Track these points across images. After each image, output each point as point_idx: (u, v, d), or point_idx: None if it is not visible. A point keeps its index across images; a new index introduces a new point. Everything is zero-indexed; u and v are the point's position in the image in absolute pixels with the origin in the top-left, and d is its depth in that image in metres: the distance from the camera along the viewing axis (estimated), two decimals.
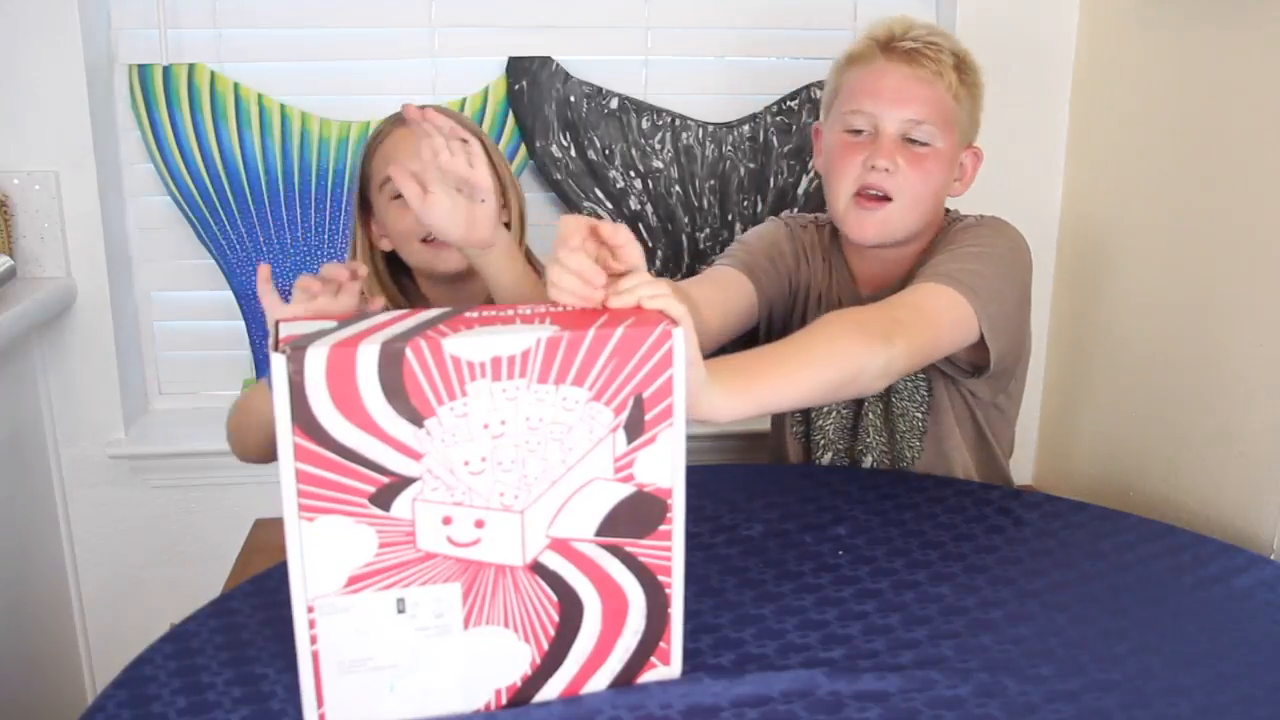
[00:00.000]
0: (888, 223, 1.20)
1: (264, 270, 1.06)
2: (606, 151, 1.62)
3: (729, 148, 1.63)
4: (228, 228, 1.58)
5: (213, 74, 1.54)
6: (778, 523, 1.11)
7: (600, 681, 0.82)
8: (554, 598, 0.79)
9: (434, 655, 0.77)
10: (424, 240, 1.24)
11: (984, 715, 0.80)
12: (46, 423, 1.58)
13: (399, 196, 1.22)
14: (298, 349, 0.69)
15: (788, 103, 1.63)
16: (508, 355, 0.73)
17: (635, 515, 0.78)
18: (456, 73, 1.59)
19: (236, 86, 1.54)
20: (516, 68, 1.59)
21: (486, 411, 0.73)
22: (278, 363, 0.69)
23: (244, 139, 1.55)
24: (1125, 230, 1.51)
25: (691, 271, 1.66)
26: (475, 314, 0.77)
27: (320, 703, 0.76)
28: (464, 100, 1.58)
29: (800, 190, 1.66)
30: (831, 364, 0.98)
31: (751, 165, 1.64)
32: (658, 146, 1.62)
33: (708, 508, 1.13)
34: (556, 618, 0.79)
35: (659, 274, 1.65)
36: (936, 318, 1.10)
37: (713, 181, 1.64)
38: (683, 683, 0.83)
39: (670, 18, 1.62)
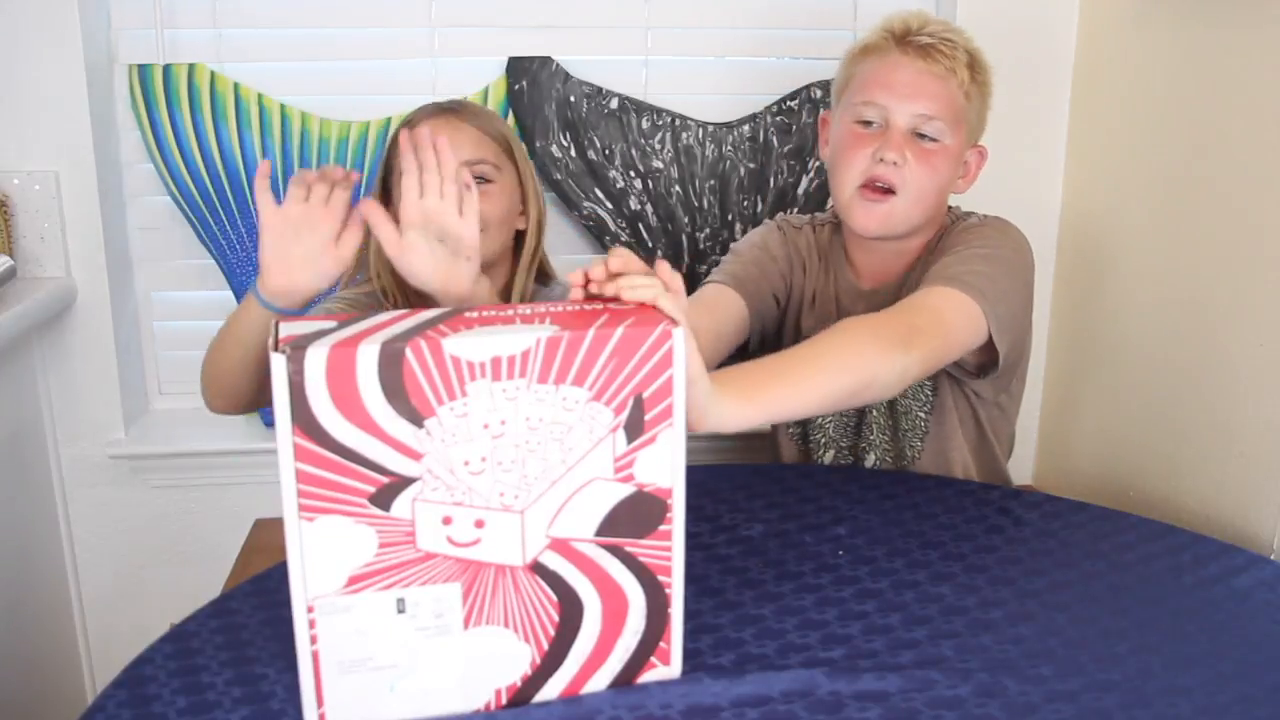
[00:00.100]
0: (891, 216, 1.20)
1: (265, 166, 1.07)
2: (606, 151, 1.62)
3: (729, 148, 1.63)
4: (228, 228, 1.58)
5: (213, 74, 1.54)
6: (778, 523, 1.11)
7: (600, 681, 0.82)
8: (554, 598, 0.79)
9: (434, 655, 0.77)
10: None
11: (984, 715, 0.80)
12: (46, 423, 1.58)
13: None
14: (297, 349, 0.69)
15: (788, 103, 1.63)
16: (508, 355, 0.73)
17: (635, 515, 0.78)
18: (456, 73, 1.59)
19: (236, 86, 1.54)
20: (516, 68, 1.59)
21: (486, 411, 0.73)
22: (277, 363, 0.69)
23: (244, 139, 1.55)
24: (1125, 229, 1.51)
25: (692, 271, 1.66)
26: (475, 314, 0.77)
27: (320, 703, 0.76)
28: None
29: (800, 190, 1.66)
30: (845, 371, 0.98)
31: (751, 165, 1.64)
32: (658, 146, 1.62)
33: (708, 508, 1.13)
34: (556, 618, 0.79)
35: None
36: (950, 323, 1.10)
37: (713, 181, 1.64)
38: (683, 683, 0.83)
39: (670, 18, 1.61)
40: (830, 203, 1.40)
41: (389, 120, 1.56)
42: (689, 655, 0.85)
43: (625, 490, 0.78)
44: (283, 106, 1.56)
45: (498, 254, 1.28)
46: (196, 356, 1.66)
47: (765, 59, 1.67)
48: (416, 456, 0.73)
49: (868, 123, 1.21)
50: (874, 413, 1.30)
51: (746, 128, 1.63)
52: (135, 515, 1.64)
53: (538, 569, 0.78)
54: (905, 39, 1.20)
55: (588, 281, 0.83)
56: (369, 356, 0.70)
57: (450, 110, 1.28)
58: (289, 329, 0.73)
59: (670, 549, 0.80)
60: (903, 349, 1.01)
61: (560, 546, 0.78)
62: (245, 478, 1.61)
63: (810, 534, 1.08)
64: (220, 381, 1.16)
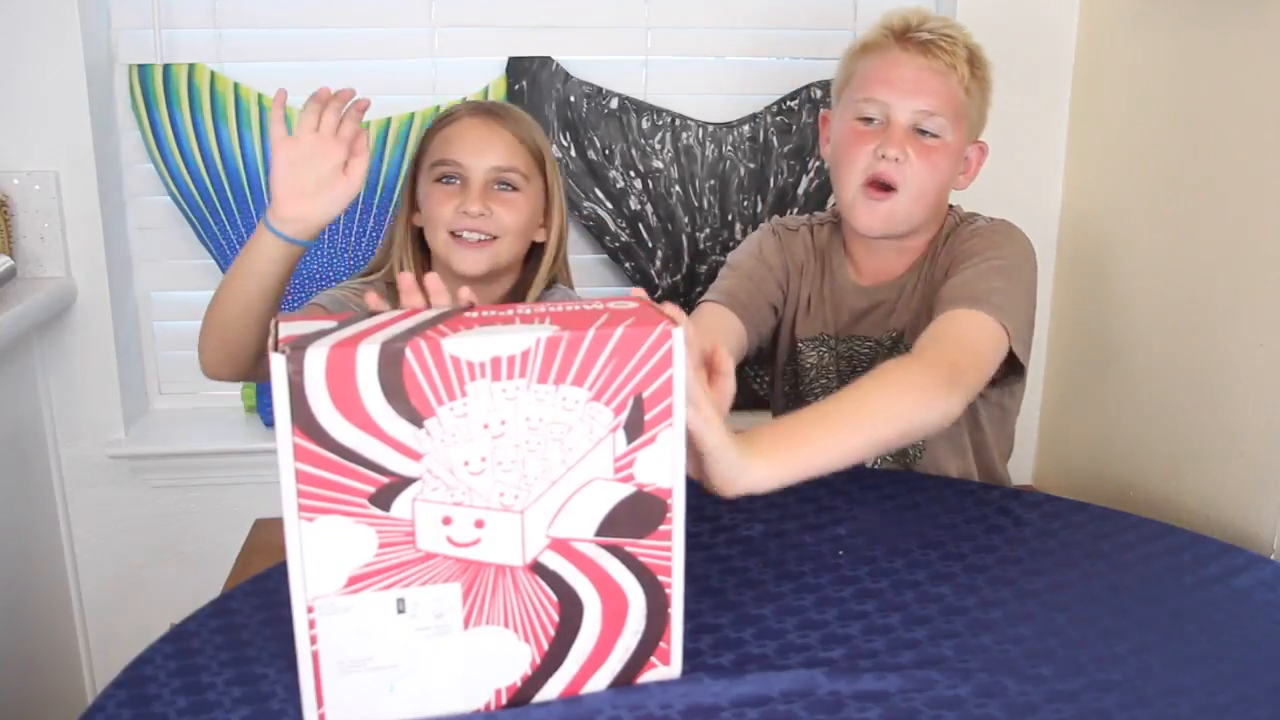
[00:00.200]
0: (894, 214, 1.21)
1: (281, 95, 1.11)
2: (606, 151, 1.62)
3: (729, 148, 1.63)
4: (228, 228, 1.58)
5: (212, 74, 1.54)
6: (778, 523, 1.11)
7: (600, 681, 0.82)
8: (554, 598, 0.79)
9: (434, 655, 0.77)
10: (453, 234, 1.23)
11: (984, 715, 0.80)
12: (46, 423, 1.58)
13: (441, 180, 1.23)
14: (297, 349, 0.69)
15: (788, 103, 1.63)
16: (507, 355, 0.73)
17: (635, 515, 0.78)
18: (456, 73, 1.59)
19: (236, 86, 1.54)
20: (516, 68, 1.59)
21: (486, 411, 0.73)
22: (277, 363, 0.69)
23: (244, 139, 1.55)
24: (1125, 228, 1.51)
25: (691, 272, 1.66)
26: (475, 314, 0.77)
27: (320, 703, 0.76)
28: (463, 100, 1.58)
29: (800, 190, 1.66)
30: (886, 421, 0.98)
31: (751, 165, 1.64)
32: (658, 146, 1.62)
33: (708, 508, 1.13)
34: (556, 618, 0.79)
35: (659, 274, 1.65)
36: (983, 351, 1.10)
37: (713, 181, 1.64)
38: (683, 683, 0.83)
39: (670, 18, 1.62)
40: (831, 202, 1.40)
41: (389, 120, 1.56)
42: (689, 655, 0.85)
43: (625, 490, 0.77)
44: None
45: (508, 263, 1.28)
46: (196, 356, 1.68)
47: (765, 59, 1.67)
48: (416, 456, 0.73)
49: (869, 119, 1.21)
50: None
51: (746, 128, 1.63)
52: (135, 515, 1.64)
53: (538, 569, 0.78)
54: (905, 35, 1.20)
55: None
56: (369, 356, 0.70)
57: (489, 113, 1.27)
58: (289, 329, 0.73)
59: (670, 549, 0.80)
60: (947, 391, 1.02)
61: (560, 546, 0.78)
62: (245, 478, 1.61)
63: (810, 534, 1.08)
64: (224, 331, 1.14)
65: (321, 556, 0.73)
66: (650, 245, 1.65)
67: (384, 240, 1.35)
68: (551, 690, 0.81)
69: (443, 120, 1.28)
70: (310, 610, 0.74)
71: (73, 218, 1.51)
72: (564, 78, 1.59)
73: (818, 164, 1.64)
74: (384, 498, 0.73)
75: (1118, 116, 1.53)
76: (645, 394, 0.76)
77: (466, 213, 1.22)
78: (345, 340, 0.71)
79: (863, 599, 0.96)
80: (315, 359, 0.69)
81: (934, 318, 1.14)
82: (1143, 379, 1.46)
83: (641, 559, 0.79)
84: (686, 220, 1.65)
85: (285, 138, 1.09)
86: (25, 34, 1.45)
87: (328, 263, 1.58)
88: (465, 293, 1.07)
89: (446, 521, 0.75)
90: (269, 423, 1.63)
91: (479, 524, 0.76)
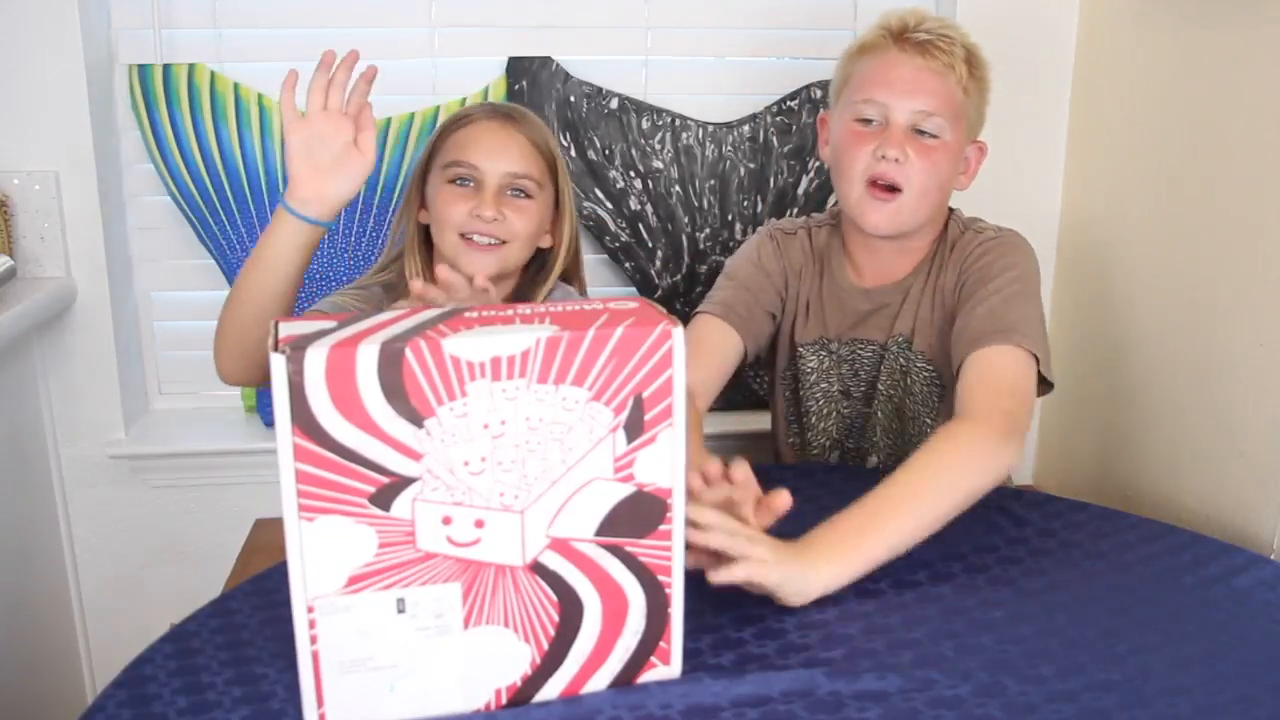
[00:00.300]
0: (900, 214, 1.20)
1: (291, 77, 1.11)
2: (606, 151, 1.62)
3: (729, 148, 1.63)
4: (228, 228, 1.58)
5: (212, 74, 1.54)
6: (777, 523, 1.10)
7: (600, 681, 0.82)
8: (554, 598, 0.79)
9: (434, 655, 0.77)
10: (463, 236, 1.23)
11: (984, 715, 0.80)
12: (46, 423, 1.58)
13: (455, 181, 1.23)
14: (297, 349, 0.69)
15: (788, 103, 1.63)
16: (507, 355, 0.73)
17: (635, 515, 0.78)
18: (456, 73, 1.59)
19: (236, 86, 1.54)
20: (516, 68, 1.59)
21: (486, 411, 0.73)
22: (277, 363, 0.69)
23: (244, 139, 1.55)
24: (1125, 228, 1.51)
25: (691, 272, 1.66)
26: (475, 314, 0.77)
27: (320, 703, 0.76)
28: (464, 100, 1.58)
29: (800, 190, 1.66)
30: (949, 492, 1.01)
31: (751, 165, 1.64)
32: (658, 146, 1.62)
33: None
34: (556, 618, 0.79)
35: (659, 274, 1.65)
36: (1028, 388, 1.12)
37: (713, 181, 1.64)
38: (683, 682, 0.83)
39: (670, 18, 1.62)
40: (831, 202, 1.40)
41: (389, 120, 1.56)
42: (689, 655, 0.85)
43: (625, 490, 0.78)
44: None
45: (514, 268, 1.28)
46: (197, 356, 1.67)
47: (765, 59, 1.67)
48: (416, 456, 0.73)
49: (867, 121, 1.21)
50: (880, 414, 1.30)
51: (746, 128, 1.63)
52: (135, 515, 1.64)
53: (538, 569, 0.78)
54: (903, 36, 1.20)
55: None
56: (369, 356, 0.70)
57: (507, 117, 1.27)
58: (289, 329, 0.73)
59: (670, 549, 0.80)
60: (1005, 444, 1.04)
61: (560, 546, 0.78)
62: (245, 478, 1.61)
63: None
64: (243, 332, 1.14)
65: (321, 556, 0.73)
66: (650, 245, 1.65)
67: (391, 236, 1.35)
68: (551, 690, 0.81)
69: (458, 121, 1.27)
70: (310, 610, 0.74)
71: (73, 218, 1.51)
72: (564, 78, 1.59)
73: (818, 164, 1.64)
74: (384, 498, 0.73)
75: (1118, 117, 1.53)
76: (645, 394, 0.76)
77: (480, 216, 1.21)
78: (345, 340, 0.71)
79: (863, 599, 0.96)
80: (315, 359, 0.69)
81: (962, 349, 1.14)
82: (1142, 378, 1.46)
83: (641, 559, 0.79)
84: (686, 220, 1.65)
85: (297, 119, 1.10)
86: (25, 34, 1.45)
87: (328, 263, 1.58)
88: (481, 279, 1.08)
89: (446, 521, 0.75)
90: (269, 423, 1.63)
91: (479, 524, 0.76)
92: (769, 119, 1.63)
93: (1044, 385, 1.17)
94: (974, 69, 1.21)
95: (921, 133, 1.19)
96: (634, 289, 1.66)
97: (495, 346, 0.73)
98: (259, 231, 1.57)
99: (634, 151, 1.62)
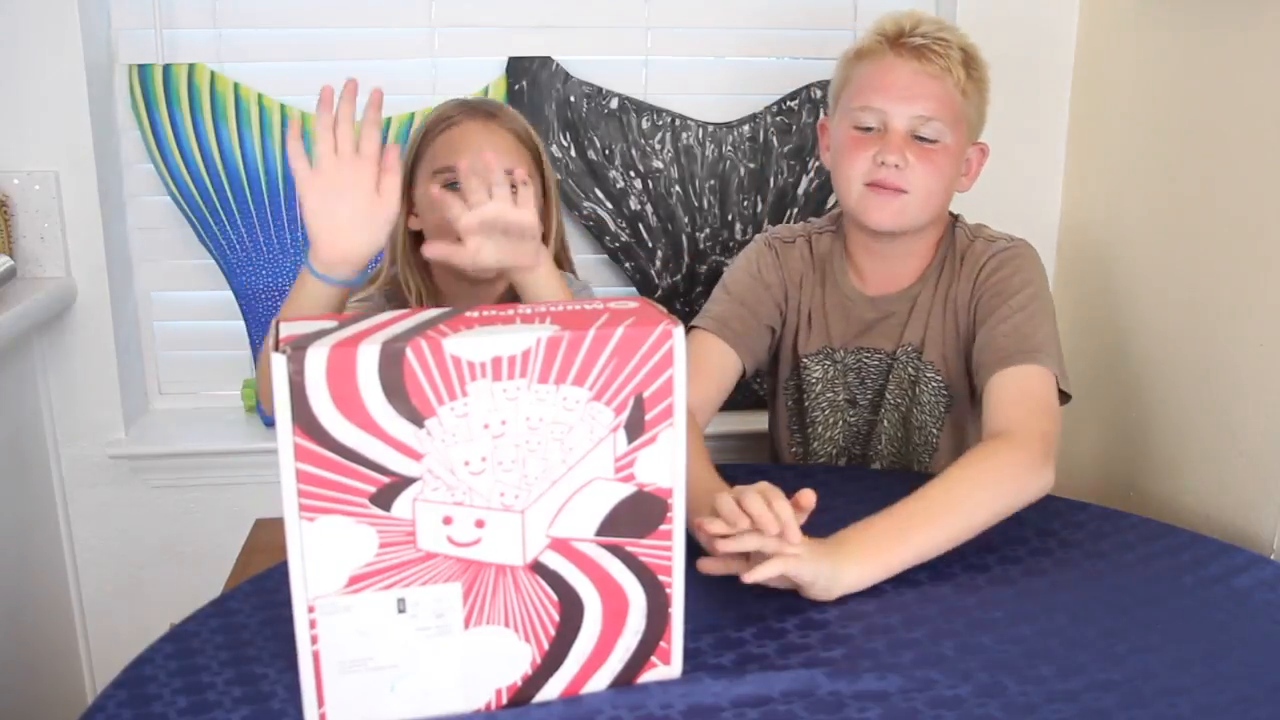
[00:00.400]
0: (905, 211, 1.20)
1: (294, 127, 1.05)
2: (606, 151, 1.62)
3: (729, 148, 1.63)
4: (228, 228, 1.58)
5: (212, 74, 1.54)
6: None
7: (600, 681, 0.82)
8: (554, 597, 0.79)
9: (434, 655, 0.77)
10: (457, 240, 1.23)
11: (984, 715, 0.80)
12: (46, 423, 1.58)
13: (447, 186, 1.22)
14: (298, 349, 0.69)
15: (788, 103, 1.63)
16: (508, 355, 0.73)
17: (635, 515, 0.78)
18: (456, 73, 1.59)
19: (236, 86, 1.54)
20: (516, 68, 1.59)
21: (487, 411, 0.73)
22: (278, 362, 0.69)
23: (244, 139, 1.55)
24: (1125, 229, 1.51)
25: (691, 272, 1.66)
26: (475, 314, 0.77)
27: (321, 702, 0.76)
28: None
29: (800, 190, 1.66)
30: (980, 508, 1.02)
31: (751, 165, 1.64)
32: (658, 146, 1.62)
33: None
34: (557, 617, 0.79)
35: (659, 274, 1.65)
36: (1056, 406, 1.13)
37: (713, 181, 1.64)
38: (683, 682, 0.83)
39: (670, 18, 1.62)
40: (831, 203, 1.39)
41: (389, 120, 1.56)
42: (689, 655, 0.85)
43: (626, 490, 0.78)
44: (283, 106, 1.56)
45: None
46: (196, 356, 1.68)
47: (765, 59, 1.67)
48: (417, 456, 0.73)
49: (867, 128, 1.20)
50: (886, 423, 1.30)
51: (746, 128, 1.63)
52: (135, 515, 1.64)
53: (538, 569, 0.78)
54: (899, 40, 1.18)
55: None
56: (369, 356, 0.70)
57: (488, 115, 1.25)
58: (289, 329, 0.73)
59: (670, 549, 0.80)
60: (1043, 465, 1.06)
61: (561, 546, 0.78)
62: (245, 478, 1.61)
63: (811, 534, 1.08)
64: None
65: (322, 556, 0.73)
66: (650, 245, 1.65)
67: (386, 249, 1.34)
68: (552, 690, 0.81)
69: (440, 123, 1.25)
70: (311, 610, 0.74)
71: (73, 218, 1.51)
72: (564, 78, 1.59)
73: (817, 164, 1.64)
74: (385, 497, 0.73)
75: (1118, 117, 1.53)
76: (646, 394, 0.76)
77: None
78: (346, 340, 0.71)
79: (863, 599, 0.96)
80: (316, 359, 0.69)
81: (989, 367, 1.14)
82: (1142, 378, 1.46)
83: (642, 559, 0.79)
84: (686, 220, 1.65)
85: (309, 173, 1.01)
86: (25, 34, 1.45)
87: None
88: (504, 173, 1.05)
89: (447, 521, 0.75)
90: (269, 423, 1.63)
91: (479, 524, 0.76)
92: (769, 119, 1.63)
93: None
94: (972, 70, 1.20)
95: (921, 138, 1.18)
96: (634, 289, 1.66)
97: (496, 346, 0.73)
98: (259, 231, 1.58)
99: (634, 151, 1.62)
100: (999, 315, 1.18)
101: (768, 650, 0.88)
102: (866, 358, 1.28)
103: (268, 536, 1.43)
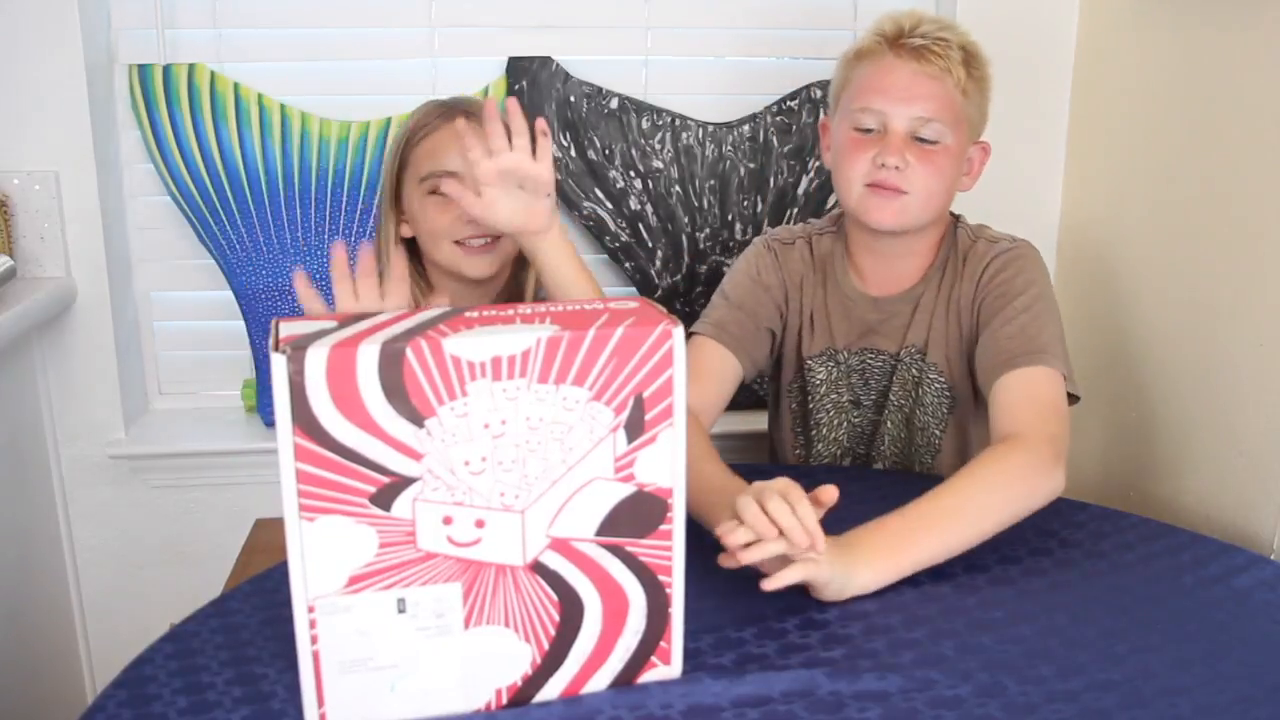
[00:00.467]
0: (906, 211, 1.19)
1: (301, 277, 1.05)
2: (606, 151, 1.62)
3: (729, 148, 1.63)
4: (228, 228, 1.58)
5: (213, 74, 1.54)
6: None
7: (600, 681, 0.82)
8: (554, 597, 0.79)
9: (434, 655, 0.77)
10: (457, 242, 1.23)
11: (984, 715, 0.80)
12: (46, 423, 1.58)
13: (436, 193, 1.22)
14: (298, 349, 0.69)
15: (788, 103, 1.63)
16: (508, 355, 0.73)
17: (636, 515, 0.78)
18: (456, 73, 1.59)
19: (236, 86, 1.54)
20: (516, 68, 1.59)
21: (487, 411, 0.73)
22: (278, 363, 0.69)
23: (244, 139, 1.55)
24: (1125, 229, 1.51)
25: (691, 272, 1.66)
26: (475, 314, 0.77)
27: (321, 703, 0.76)
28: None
29: (800, 190, 1.66)
30: (997, 512, 1.02)
31: (751, 165, 1.64)
32: (658, 146, 1.62)
33: None
34: (557, 617, 0.79)
35: (659, 274, 1.65)
36: (1065, 408, 1.13)
37: (713, 181, 1.64)
38: (683, 682, 0.83)
39: (670, 18, 1.62)
40: (831, 203, 1.39)
41: (389, 120, 1.56)
42: (689, 655, 0.85)
43: (625, 490, 0.78)
44: (283, 106, 1.56)
45: (512, 256, 1.27)
46: (196, 356, 1.68)
47: (765, 59, 1.67)
48: (417, 456, 0.73)
49: (867, 130, 1.19)
50: (889, 424, 1.30)
51: (746, 128, 1.63)
52: (135, 515, 1.64)
53: (538, 569, 0.78)
54: (898, 41, 1.18)
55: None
56: (369, 356, 0.70)
57: (467, 115, 1.23)
58: (289, 329, 0.73)
59: (670, 549, 0.80)
60: (1054, 467, 1.05)
61: (561, 546, 0.78)
62: (245, 478, 1.61)
63: None
64: None
65: (322, 556, 0.73)
66: (650, 245, 1.65)
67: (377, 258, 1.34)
68: (552, 690, 0.81)
69: (419, 130, 1.25)
70: (311, 610, 0.74)
71: (73, 218, 1.51)
72: (564, 78, 1.59)
73: (817, 164, 1.64)
74: (385, 497, 0.73)
75: (1118, 117, 1.53)
76: (646, 394, 0.76)
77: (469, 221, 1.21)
78: (346, 340, 0.71)
79: (863, 599, 0.96)
80: (316, 359, 0.69)
81: (995, 368, 1.14)
82: (1142, 378, 1.46)
83: (642, 559, 0.79)
84: (686, 220, 1.65)
85: (323, 309, 1.05)
86: (25, 34, 1.45)
87: (329, 266, 1.58)
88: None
89: (447, 521, 0.75)
90: (269, 423, 1.63)
91: (479, 524, 0.76)
92: (769, 119, 1.63)
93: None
94: (972, 70, 1.19)
95: (921, 139, 1.18)
96: (634, 289, 1.66)
97: (496, 346, 0.73)
98: (259, 231, 1.58)
99: (634, 151, 1.62)
100: (1003, 317, 1.17)
101: (768, 650, 0.88)
102: (870, 359, 1.28)
103: (268, 536, 1.43)
